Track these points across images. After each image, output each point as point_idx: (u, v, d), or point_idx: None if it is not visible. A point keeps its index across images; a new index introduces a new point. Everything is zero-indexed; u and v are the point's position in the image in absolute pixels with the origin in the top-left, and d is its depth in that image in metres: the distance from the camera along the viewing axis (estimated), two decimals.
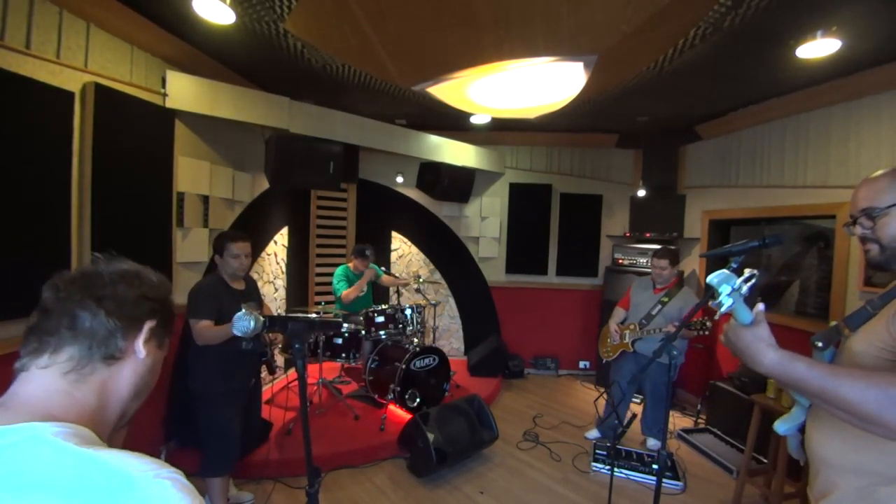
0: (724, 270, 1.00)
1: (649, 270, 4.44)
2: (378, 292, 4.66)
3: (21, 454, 0.51)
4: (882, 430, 0.80)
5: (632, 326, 3.37)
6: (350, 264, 4.15)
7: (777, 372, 0.90)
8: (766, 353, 0.90)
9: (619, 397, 3.43)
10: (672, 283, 3.38)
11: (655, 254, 3.39)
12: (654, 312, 3.30)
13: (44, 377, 0.62)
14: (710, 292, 1.01)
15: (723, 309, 0.98)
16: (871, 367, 0.95)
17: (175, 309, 0.80)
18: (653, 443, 3.45)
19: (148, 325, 0.71)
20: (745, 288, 0.97)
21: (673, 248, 3.36)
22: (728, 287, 0.97)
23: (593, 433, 3.62)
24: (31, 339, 0.63)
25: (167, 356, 0.79)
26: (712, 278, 1.00)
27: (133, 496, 0.51)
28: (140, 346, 0.70)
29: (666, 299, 3.31)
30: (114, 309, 0.66)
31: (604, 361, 3.61)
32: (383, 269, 4.49)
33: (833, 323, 1.13)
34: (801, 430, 1.15)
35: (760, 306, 0.97)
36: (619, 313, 3.54)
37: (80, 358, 0.63)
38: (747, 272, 0.99)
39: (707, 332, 2.99)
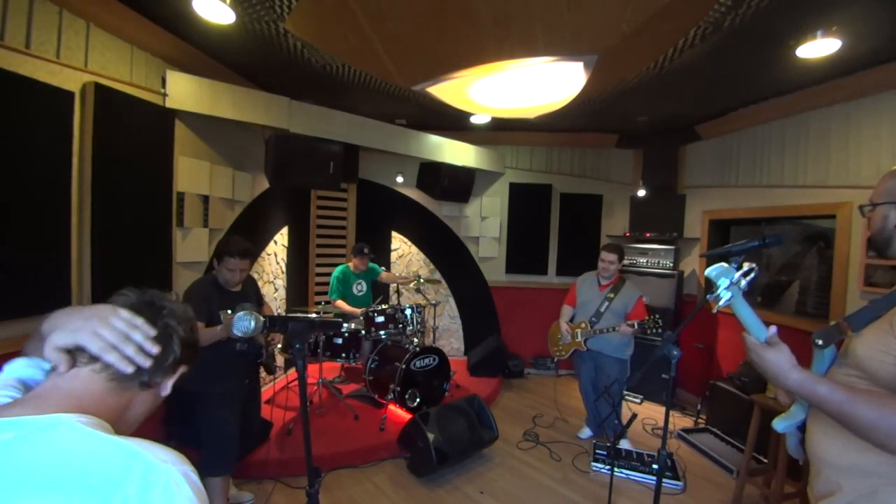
0: (723, 264, 1.02)
1: (651, 271, 4.48)
2: (378, 291, 4.66)
3: (53, 439, 0.54)
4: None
5: (583, 325, 3.41)
6: (350, 264, 4.16)
7: (800, 392, 0.96)
8: (790, 374, 0.96)
9: (620, 397, 3.43)
10: (615, 279, 3.44)
11: (605, 248, 3.43)
12: (602, 310, 3.37)
13: (91, 379, 0.66)
14: (710, 286, 1.02)
15: (721, 302, 1.00)
16: (878, 373, 0.95)
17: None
18: (588, 433, 3.60)
19: (182, 370, 0.76)
20: (743, 282, 0.99)
21: (618, 244, 3.46)
22: (726, 280, 0.99)
23: (586, 432, 3.63)
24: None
25: None
26: (710, 271, 1.03)
27: (158, 484, 0.54)
28: (168, 385, 0.76)
29: (612, 295, 3.39)
30: (170, 346, 0.73)
31: (555, 360, 3.66)
32: (383, 267, 4.49)
33: (833, 322, 1.12)
34: (801, 428, 1.15)
35: (773, 329, 1.00)
36: (566, 311, 3.57)
37: (129, 376, 0.68)
38: (746, 266, 1.00)
39: (659, 330, 3.13)
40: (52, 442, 0.54)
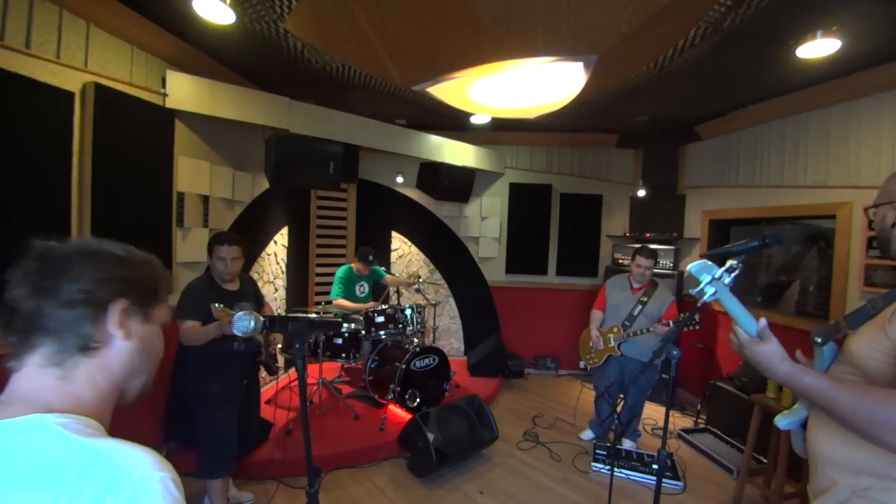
0: (705, 260, 1.04)
1: (655, 271, 4.45)
2: (379, 293, 4.66)
3: (26, 444, 0.53)
4: (879, 445, 0.86)
5: (615, 329, 3.34)
6: (353, 265, 4.16)
7: (789, 383, 0.98)
8: (779, 366, 0.98)
9: (618, 397, 3.43)
10: (648, 282, 3.38)
11: (641, 253, 3.32)
12: (635, 313, 3.29)
13: (33, 374, 0.61)
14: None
15: (706, 297, 1.02)
16: (872, 371, 0.96)
17: (158, 278, 0.74)
18: (629, 443, 3.44)
19: (117, 307, 0.65)
20: (727, 278, 1.01)
21: (653, 246, 3.35)
22: (707, 276, 1.01)
23: (588, 434, 3.61)
24: (10, 338, 0.62)
25: (166, 356, 0.77)
26: (691, 267, 1.06)
27: (125, 490, 0.51)
28: (114, 330, 0.65)
29: (645, 299, 3.31)
30: (70, 297, 0.62)
31: (588, 369, 3.58)
32: (384, 268, 4.49)
33: (833, 322, 1.13)
34: (804, 425, 1.16)
35: (763, 321, 1.01)
36: (597, 316, 3.48)
37: (54, 353, 0.61)
38: (729, 262, 1.02)
39: (697, 327, 3.03)
40: (21, 447, 0.52)
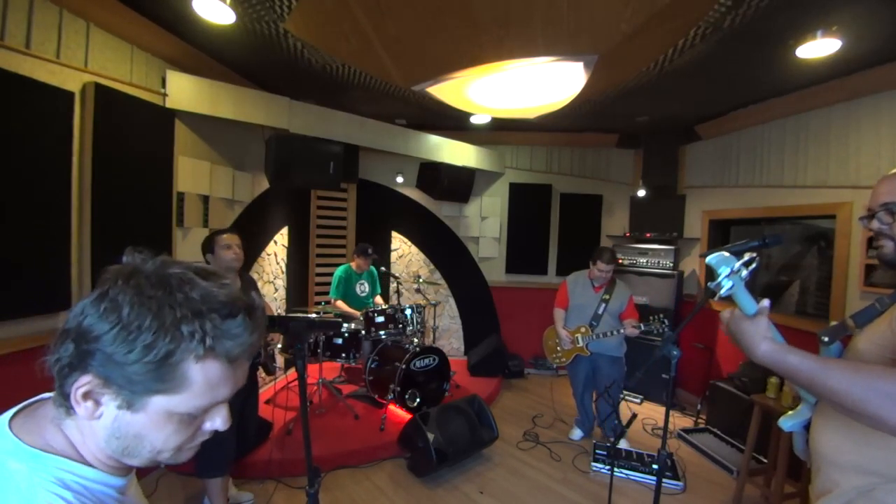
0: (723, 252, 1.01)
1: (651, 271, 4.48)
2: (383, 293, 4.66)
3: None
4: (872, 422, 0.81)
5: (583, 329, 3.39)
6: (353, 263, 4.16)
7: (769, 362, 0.92)
8: (759, 344, 0.92)
9: (619, 398, 3.43)
10: (608, 279, 3.43)
11: (602, 258, 3.28)
12: (600, 311, 3.36)
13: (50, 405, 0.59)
14: (710, 274, 1.02)
15: (723, 291, 0.98)
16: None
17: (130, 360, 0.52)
18: (579, 434, 3.57)
19: (76, 385, 0.52)
20: (745, 272, 0.98)
21: (612, 250, 3.39)
22: (727, 269, 0.98)
23: (576, 433, 3.61)
24: None
25: None
26: (711, 258, 1.02)
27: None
28: (76, 405, 0.53)
29: (607, 297, 3.38)
30: (56, 346, 0.54)
31: (555, 367, 3.61)
32: (383, 268, 4.48)
33: (834, 323, 1.13)
34: (807, 427, 1.15)
35: (766, 302, 0.98)
36: (560, 315, 3.51)
37: (55, 396, 0.57)
38: (747, 256, 0.99)
39: (666, 327, 3.13)
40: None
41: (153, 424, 0.55)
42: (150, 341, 0.51)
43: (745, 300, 0.98)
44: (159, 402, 0.54)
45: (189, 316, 0.52)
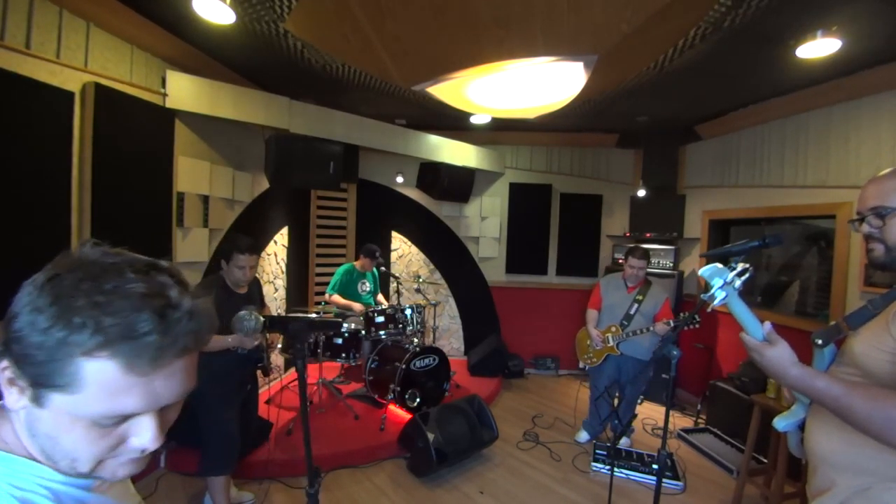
0: (717, 264, 1.05)
1: (650, 270, 4.44)
2: (384, 292, 4.66)
3: None
4: (893, 445, 0.86)
5: (613, 329, 3.36)
6: (357, 263, 4.16)
7: (799, 387, 0.98)
8: (790, 370, 0.98)
9: (635, 399, 3.43)
10: (642, 280, 3.40)
11: (634, 254, 3.33)
12: (632, 312, 3.32)
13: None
14: (705, 285, 1.05)
15: (716, 302, 1.04)
16: (874, 369, 0.96)
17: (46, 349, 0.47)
18: (625, 440, 3.48)
19: (1, 368, 0.49)
20: (738, 282, 1.02)
21: (653, 246, 3.37)
22: (720, 280, 1.02)
23: (583, 436, 3.58)
24: None
25: None
26: (704, 271, 1.07)
27: None
28: (4, 390, 0.50)
29: (641, 297, 3.34)
30: None
31: (586, 368, 3.59)
32: (382, 268, 4.48)
33: (832, 323, 1.14)
34: (802, 427, 1.16)
35: (768, 325, 1.02)
36: (593, 316, 3.49)
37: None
38: (740, 266, 1.03)
39: (697, 326, 3.04)
40: None
41: (59, 426, 0.50)
42: (46, 325, 0.46)
43: (740, 309, 1.02)
44: (59, 401, 0.48)
45: (84, 305, 0.46)
